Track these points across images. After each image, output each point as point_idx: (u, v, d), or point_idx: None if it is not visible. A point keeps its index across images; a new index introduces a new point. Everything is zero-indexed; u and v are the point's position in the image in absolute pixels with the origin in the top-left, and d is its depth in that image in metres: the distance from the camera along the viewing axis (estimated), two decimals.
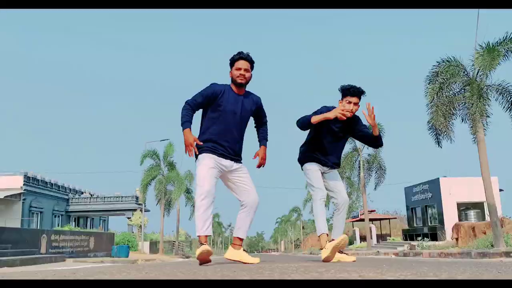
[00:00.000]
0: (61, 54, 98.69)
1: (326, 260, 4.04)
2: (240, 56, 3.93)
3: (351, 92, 4.28)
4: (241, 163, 4.04)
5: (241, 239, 3.99)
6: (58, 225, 33.45)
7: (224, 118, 3.88)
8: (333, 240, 4.16)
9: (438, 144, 12.73)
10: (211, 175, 3.78)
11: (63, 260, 12.84)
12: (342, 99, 4.35)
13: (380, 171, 23.52)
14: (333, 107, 4.37)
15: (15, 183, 30.87)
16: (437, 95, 11.99)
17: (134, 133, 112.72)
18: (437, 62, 12.20)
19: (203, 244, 3.68)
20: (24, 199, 31.20)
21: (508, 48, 11.16)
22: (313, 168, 4.43)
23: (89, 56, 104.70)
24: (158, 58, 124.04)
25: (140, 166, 27.36)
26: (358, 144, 23.01)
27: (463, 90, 12.02)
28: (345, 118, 4.20)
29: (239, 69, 3.89)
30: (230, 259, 3.93)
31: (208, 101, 3.89)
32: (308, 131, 4.54)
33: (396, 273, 2.16)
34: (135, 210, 35.38)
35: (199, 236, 3.73)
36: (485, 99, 11.43)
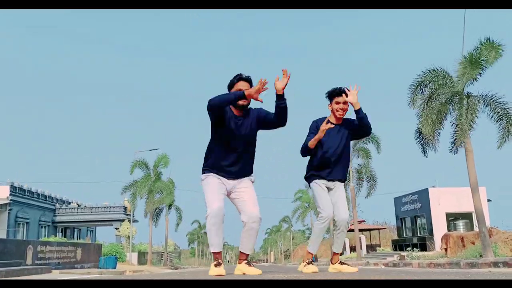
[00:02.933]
0: (48, 61, 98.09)
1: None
2: (240, 77, 3.89)
3: (337, 92, 4.38)
4: (247, 182, 3.99)
5: (246, 254, 4.03)
6: (45, 236, 32.99)
7: (226, 142, 3.86)
8: (343, 263, 4.50)
9: (424, 154, 12.87)
10: (218, 192, 3.82)
11: (49, 271, 12.65)
12: (330, 102, 4.43)
13: (371, 181, 23.61)
14: (323, 118, 4.42)
15: (1, 193, 30.44)
16: (426, 104, 12.14)
17: (123, 142, 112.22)
18: (422, 72, 12.38)
19: (218, 261, 3.80)
20: (10, 209, 30.76)
21: (484, 56, 11.31)
22: (318, 188, 4.45)
23: (76, 62, 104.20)
24: (148, 65, 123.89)
25: (129, 176, 27.17)
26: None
27: (450, 100, 12.17)
28: (331, 126, 4.25)
29: (240, 90, 3.80)
30: (236, 274, 3.99)
31: (218, 112, 3.80)
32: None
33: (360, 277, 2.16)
34: (123, 220, 35.06)
35: (213, 252, 3.88)
36: (473, 111, 11.58)
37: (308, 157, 4.59)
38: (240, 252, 4.05)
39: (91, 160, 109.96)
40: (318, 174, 4.46)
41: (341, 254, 4.55)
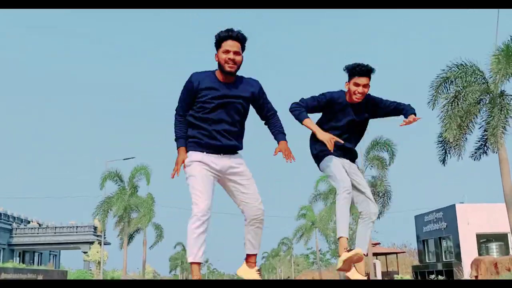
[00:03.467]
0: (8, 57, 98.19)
1: (341, 270, 4.16)
2: (229, 34, 3.68)
3: (358, 71, 4.20)
4: (239, 161, 3.88)
5: (254, 255, 3.96)
6: None
7: (209, 111, 3.74)
8: (350, 249, 4.15)
9: (443, 162, 12.88)
10: (206, 186, 3.69)
11: None
12: (349, 80, 4.27)
13: (384, 197, 23.54)
14: (341, 92, 4.33)
15: None
16: (451, 105, 12.12)
17: (92, 150, 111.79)
18: (447, 66, 12.37)
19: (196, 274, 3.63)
20: None
21: None
22: (333, 161, 4.32)
23: (37, 59, 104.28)
24: (122, 63, 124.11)
25: (98, 191, 27.07)
26: (360, 166, 23.16)
27: (479, 100, 12.18)
28: (332, 148, 4.12)
29: (227, 51, 3.65)
30: (242, 277, 3.98)
31: (192, 96, 3.76)
32: (319, 118, 4.47)
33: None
34: (92, 242, 34.87)
35: (191, 263, 3.66)
36: (508, 112, 11.60)
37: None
38: (248, 254, 3.97)
39: (56, 171, 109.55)
40: (331, 151, 4.31)
41: None
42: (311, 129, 4.19)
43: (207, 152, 3.76)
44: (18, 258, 36.88)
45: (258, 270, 3.94)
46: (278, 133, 3.98)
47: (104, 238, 30.76)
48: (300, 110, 4.18)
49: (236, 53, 3.68)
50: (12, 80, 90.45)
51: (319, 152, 4.41)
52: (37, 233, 37.51)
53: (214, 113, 3.73)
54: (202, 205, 3.61)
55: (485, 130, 11.85)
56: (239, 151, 3.93)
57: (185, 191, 3.89)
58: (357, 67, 4.21)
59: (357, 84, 4.21)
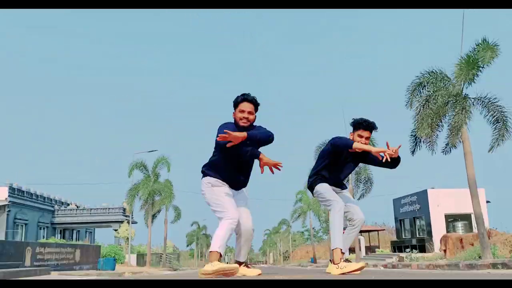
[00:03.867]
0: (48, 59, 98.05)
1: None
2: (244, 97, 3.87)
3: (364, 125, 4.28)
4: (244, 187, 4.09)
5: (242, 262, 4.09)
6: (43, 237, 32.98)
7: (227, 160, 3.86)
8: (348, 260, 4.21)
9: (412, 153, 12.90)
10: (232, 202, 3.83)
11: (48, 273, 12.65)
12: (353, 131, 4.35)
13: (367, 183, 23.74)
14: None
15: (0, 194, 30.44)
16: (423, 106, 12.15)
17: (122, 143, 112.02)
18: (420, 73, 12.39)
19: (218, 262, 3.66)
20: (9, 211, 30.76)
21: (481, 57, 11.32)
22: (325, 186, 4.43)
23: (76, 62, 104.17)
24: (150, 67, 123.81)
25: (127, 178, 27.16)
26: None
27: (448, 102, 12.19)
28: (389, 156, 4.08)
29: (243, 111, 3.82)
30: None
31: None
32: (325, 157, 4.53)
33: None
34: (122, 222, 35.04)
35: (212, 251, 3.70)
36: (467, 112, 11.62)
37: (313, 170, 4.61)
38: (237, 261, 4.11)
39: (90, 161, 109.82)
40: (325, 180, 4.49)
41: None
42: (364, 149, 4.17)
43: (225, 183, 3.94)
44: (59, 235, 37.08)
45: (246, 265, 4.06)
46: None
47: (132, 217, 30.91)
48: (346, 139, 4.31)
49: (250, 112, 3.84)
50: (28, 75, 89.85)
51: (311, 182, 4.54)
52: (75, 214, 37.71)
53: (230, 157, 3.84)
54: (235, 214, 3.74)
55: (451, 129, 11.86)
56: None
57: (197, 180, 4.02)
58: (364, 123, 4.30)
59: (360, 136, 4.29)
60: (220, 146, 3.75)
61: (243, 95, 3.88)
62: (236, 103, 3.88)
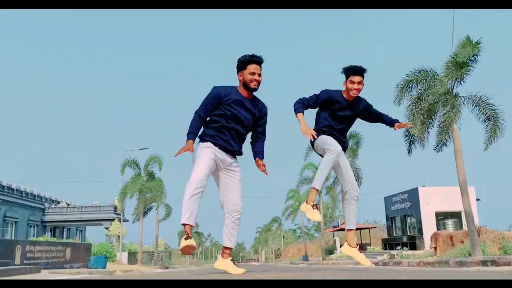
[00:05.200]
0: (38, 57, 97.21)
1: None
2: (254, 59, 3.79)
3: (353, 71, 4.32)
4: (237, 163, 3.98)
5: (229, 248, 3.94)
6: (34, 236, 32.74)
7: (230, 119, 3.83)
8: (316, 207, 4.30)
9: (409, 152, 12.96)
10: (207, 166, 3.70)
11: (38, 271, 12.55)
12: (346, 80, 4.38)
13: (356, 180, 23.97)
14: (338, 91, 4.43)
15: None
16: (415, 104, 12.21)
17: (113, 141, 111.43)
18: (410, 71, 12.43)
19: (188, 235, 3.59)
20: None
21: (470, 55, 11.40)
22: (326, 137, 4.40)
23: (65, 59, 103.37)
24: (139, 63, 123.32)
25: (119, 176, 27.02)
26: None
27: (439, 100, 12.26)
28: (312, 138, 4.23)
29: (253, 73, 3.76)
30: (217, 268, 3.96)
31: (214, 105, 3.83)
32: (319, 112, 4.55)
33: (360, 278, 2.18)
34: (113, 220, 34.86)
35: (183, 224, 3.65)
36: (457, 110, 11.70)
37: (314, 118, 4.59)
38: (224, 246, 3.94)
39: (81, 159, 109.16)
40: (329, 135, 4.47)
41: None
42: (299, 121, 4.24)
43: (219, 148, 3.84)
44: (49, 233, 36.83)
45: (232, 260, 3.91)
46: (259, 153, 4.04)
47: (123, 216, 30.76)
48: (297, 105, 4.29)
49: (259, 74, 3.80)
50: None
51: (318, 129, 4.47)
52: (66, 212, 37.43)
53: (232, 122, 3.84)
54: (199, 176, 3.63)
55: (441, 127, 11.93)
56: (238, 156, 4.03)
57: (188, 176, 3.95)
58: (352, 68, 4.34)
59: (352, 82, 4.32)
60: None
61: (251, 56, 3.80)
62: (243, 64, 3.80)
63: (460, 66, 11.47)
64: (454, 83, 11.99)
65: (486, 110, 11.76)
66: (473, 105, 11.96)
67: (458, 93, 12.11)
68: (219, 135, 3.84)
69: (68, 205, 38.70)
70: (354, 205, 4.47)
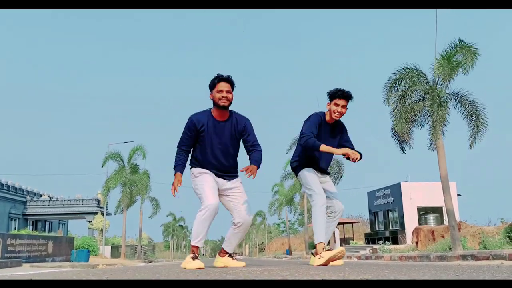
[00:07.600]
0: (27, 52, 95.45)
1: (320, 266, 4.10)
2: (220, 78, 3.85)
3: (339, 95, 4.35)
4: (234, 178, 4.06)
5: (227, 252, 4.18)
6: (15, 229, 32.29)
7: (211, 146, 3.90)
8: (329, 249, 4.23)
9: (403, 151, 13.02)
10: (214, 189, 3.83)
11: (19, 265, 12.40)
12: (330, 101, 4.42)
13: (338, 173, 24.39)
14: (322, 112, 4.48)
15: None
16: (400, 102, 12.30)
17: (97, 134, 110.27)
18: (396, 70, 12.51)
19: (195, 255, 3.78)
20: None
21: (463, 53, 11.50)
22: (310, 173, 4.47)
23: (49, 53, 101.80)
24: (121, 57, 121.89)
25: (102, 169, 26.76)
26: None
27: (423, 98, 12.37)
28: (355, 161, 4.24)
29: (221, 91, 3.80)
30: (218, 267, 4.08)
31: (192, 136, 3.92)
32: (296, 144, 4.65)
33: (358, 276, 2.21)
34: (96, 213, 34.57)
35: (193, 245, 3.83)
36: (444, 108, 11.81)
37: (295, 152, 4.66)
38: (223, 248, 4.17)
39: (64, 151, 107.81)
40: (309, 164, 4.54)
41: (314, 247, 4.46)
42: (329, 152, 4.28)
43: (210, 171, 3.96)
44: (31, 226, 36.35)
45: (230, 255, 4.16)
46: (253, 162, 4.00)
47: (106, 209, 30.52)
48: (313, 140, 4.25)
49: (228, 91, 3.82)
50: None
51: (295, 164, 4.59)
52: (48, 205, 36.96)
53: (214, 148, 3.91)
54: (214, 200, 3.74)
55: (431, 123, 12.01)
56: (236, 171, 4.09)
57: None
58: (339, 92, 4.36)
59: (336, 104, 4.36)
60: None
61: (217, 75, 3.86)
62: (212, 85, 3.86)
63: (453, 66, 11.46)
64: (443, 82, 12.01)
65: (468, 107, 11.92)
66: (456, 101, 12.12)
67: (442, 89, 12.18)
68: (207, 161, 3.94)
69: (50, 198, 38.22)
70: (336, 222, 4.60)
